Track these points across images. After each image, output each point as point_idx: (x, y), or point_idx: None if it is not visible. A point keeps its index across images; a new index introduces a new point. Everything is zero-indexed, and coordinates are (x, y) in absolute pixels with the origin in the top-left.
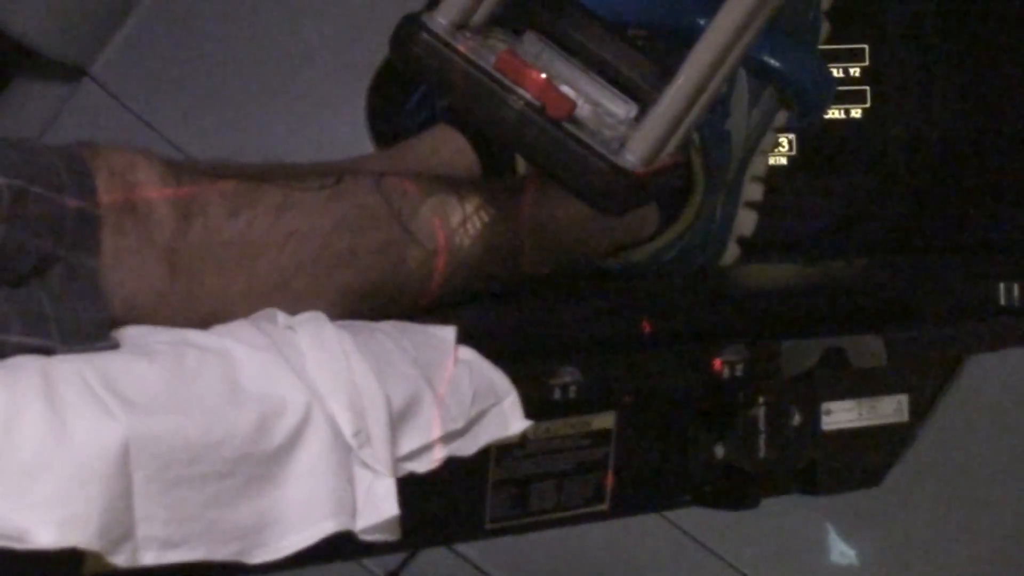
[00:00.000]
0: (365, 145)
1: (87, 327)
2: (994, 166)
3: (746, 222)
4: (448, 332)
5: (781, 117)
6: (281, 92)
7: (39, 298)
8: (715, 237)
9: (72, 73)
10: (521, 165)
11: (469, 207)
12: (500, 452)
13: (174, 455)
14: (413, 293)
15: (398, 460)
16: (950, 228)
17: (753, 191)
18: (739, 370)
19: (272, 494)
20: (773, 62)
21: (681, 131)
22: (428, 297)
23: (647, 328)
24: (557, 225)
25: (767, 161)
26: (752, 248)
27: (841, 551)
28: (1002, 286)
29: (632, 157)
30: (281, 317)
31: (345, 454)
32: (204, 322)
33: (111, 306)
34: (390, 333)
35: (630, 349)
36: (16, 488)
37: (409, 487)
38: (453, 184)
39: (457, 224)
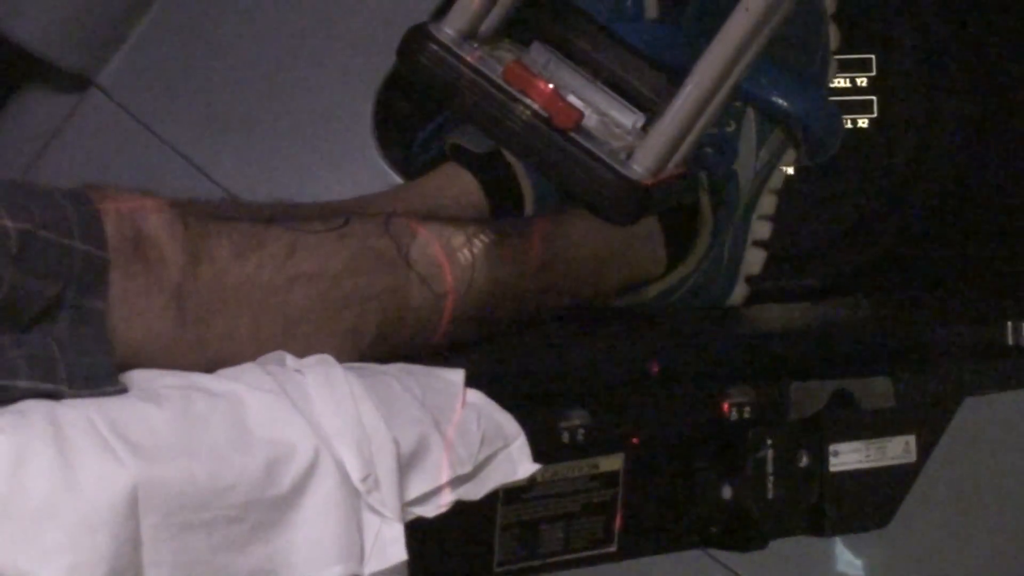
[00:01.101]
0: (372, 153)
1: (95, 371)
2: (1003, 176)
3: (754, 261)
4: (456, 375)
5: (789, 156)
6: (289, 101)
7: (47, 342)
8: (723, 276)
9: (78, 82)
10: (529, 204)
11: (478, 249)
12: (508, 494)
13: (182, 501)
14: (421, 335)
15: (406, 505)
16: (958, 239)
17: (761, 230)
18: (747, 412)
19: (280, 539)
20: (781, 102)
21: (688, 141)
22: (436, 338)
23: (655, 370)
24: (566, 266)
25: (775, 200)
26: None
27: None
28: (1010, 324)
29: (639, 167)
30: (289, 359)
31: (353, 499)
32: (212, 364)
33: (119, 349)
34: (398, 376)
35: (638, 392)
36: (24, 534)
37: (417, 530)
38: (461, 225)
39: (465, 266)
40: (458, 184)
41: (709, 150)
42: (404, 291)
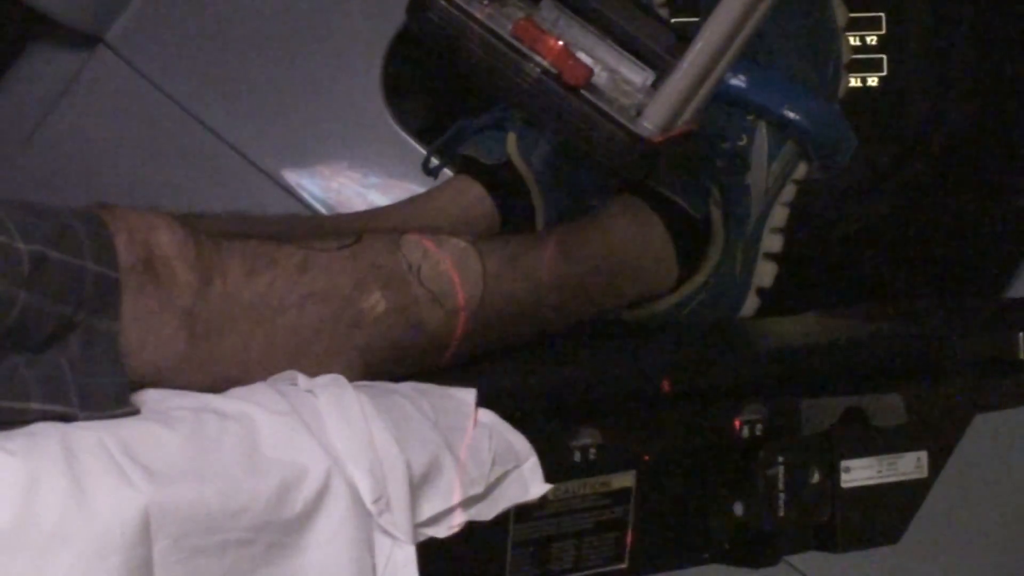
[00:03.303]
0: (381, 109)
1: (107, 393)
2: (1012, 134)
3: (766, 273)
4: (468, 395)
5: (801, 169)
6: (298, 59)
7: (59, 364)
8: (735, 289)
9: (87, 40)
10: (539, 214)
11: (489, 264)
12: (520, 512)
13: (194, 524)
14: (433, 352)
15: (418, 526)
16: (968, 198)
17: (772, 242)
18: (758, 429)
19: (292, 562)
20: (793, 115)
21: (698, 98)
22: (448, 355)
23: (666, 387)
24: (578, 281)
25: (787, 213)
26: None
27: None
28: (1021, 336)
29: (649, 124)
30: (301, 379)
31: (365, 521)
32: (223, 384)
33: (131, 369)
34: (410, 396)
35: (650, 409)
36: (37, 558)
37: (429, 549)
38: (473, 241)
39: (477, 283)
40: (468, 194)
41: (721, 163)
42: (416, 309)
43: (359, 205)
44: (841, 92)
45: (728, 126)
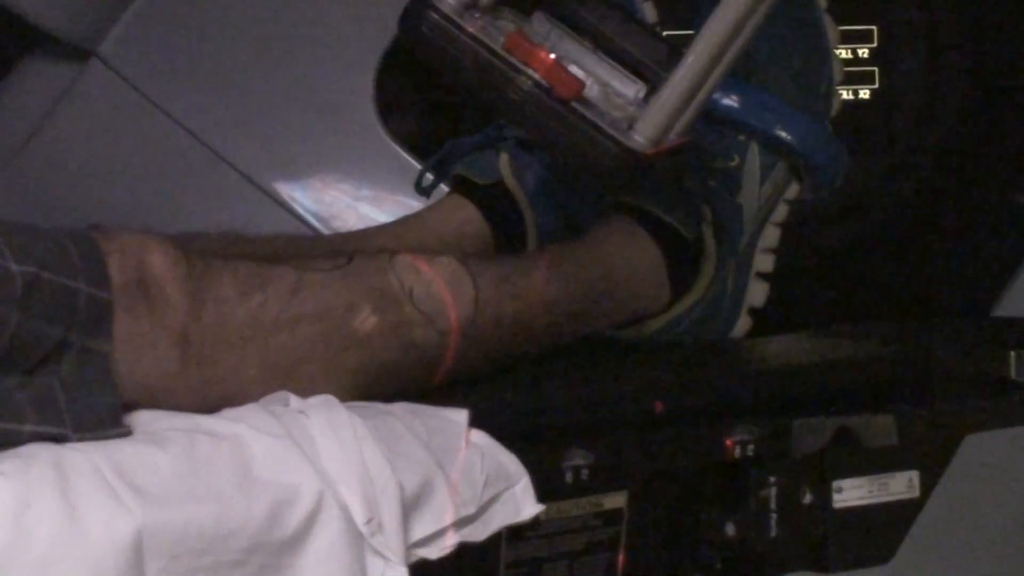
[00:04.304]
0: (373, 122)
1: (100, 414)
2: (1004, 147)
3: (757, 293)
4: (460, 415)
5: (792, 189)
6: (291, 72)
7: (52, 385)
8: (727, 309)
9: (79, 54)
10: (531, 234)
11: (481, 284)
12: (512, 533)
13: (187, 545)
14: (425, 372)
15: (410, 547)
16: (959, 212)
17: (764, 262)
18: (750, 450)
19: None
20: (785, 136)
21: (690, 111)
22: (440, 375)
23: (659, 408)
24: (570, 300)
25: (778, 233)
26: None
27: None
28: (1013, 355)
29: (640, 137)
30: (293, 400)
31: (357, 542)
32: (216, 404)
33: (124, 390)
34: (402, 416)
35: (641, 430)
36: None
37: (421, 571)
38: (465, 261)
39: (469, 303)
40: (460, 214)
41: (713, 183)
42: (408, 330)
43: (352, 218)
44: (833, 112)
45: (720, 146)
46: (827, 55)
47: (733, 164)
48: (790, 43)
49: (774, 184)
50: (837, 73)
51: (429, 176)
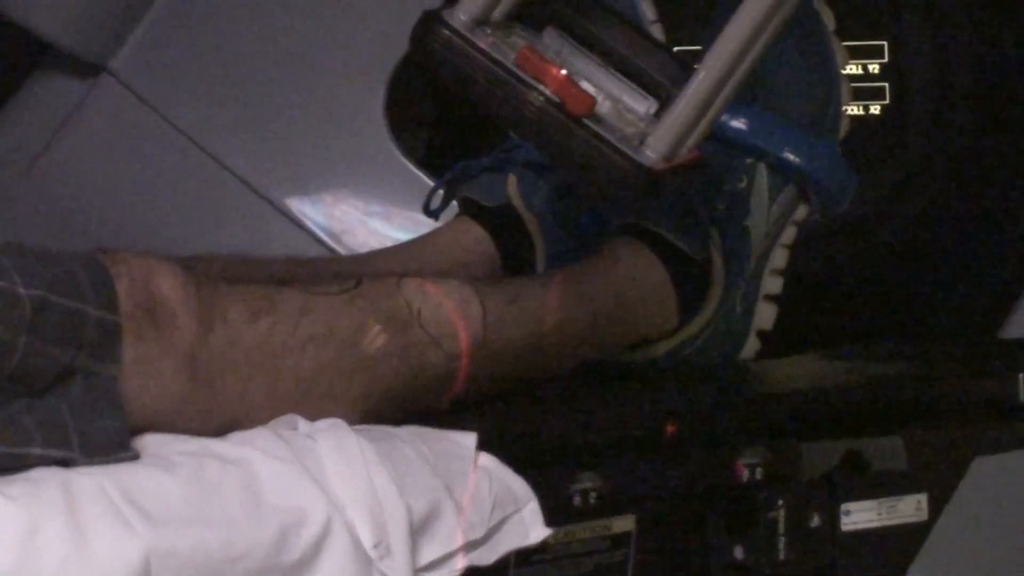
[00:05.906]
0: (384, 138)
1: (108, 437)
2: (1014, 164)
3: (766, 315)
4: (468, 439)
5: (801, 211)
6: (302, 88)
7: (60, 409)
8: (735, 331)
9: (91, 69)
10: (540, 256)
11: (490, 307)
12: (520, 556)
13: (195, 569)
14: (434, 394)
15: (418, 571)
16: (968, 228)
17: (773, 284)
18: (759, 473)
19: None
20: (793, 158)
21: (701, 127)
22: (449, 398)
23: (670, 430)
24: (578, 323)
25: (787, 255)
26: None
27: None
28: (1021, 377)
29: (652, 153)
30: (301, 424)
31: (365, 566)
32: (224, 428)
33: (131, 414)
34: (410, 440)
35: (650, 454)
36: None
37: None
38: (474, 284)
39: (479, 326)
40: (469, 236)
41: (721, 206)
42: (417, 353)
43: (363, 233)
44: (842, 134)
45: (728, 168)
46: (835, 77)
47: (741, 186)
48: (798, 65)
49: (782, 206)
50: (845, 95)
51: (437, 198)
